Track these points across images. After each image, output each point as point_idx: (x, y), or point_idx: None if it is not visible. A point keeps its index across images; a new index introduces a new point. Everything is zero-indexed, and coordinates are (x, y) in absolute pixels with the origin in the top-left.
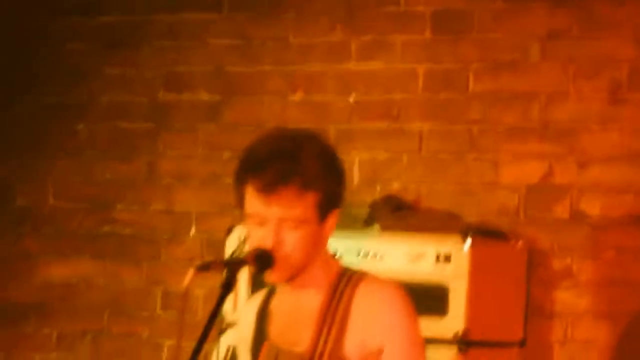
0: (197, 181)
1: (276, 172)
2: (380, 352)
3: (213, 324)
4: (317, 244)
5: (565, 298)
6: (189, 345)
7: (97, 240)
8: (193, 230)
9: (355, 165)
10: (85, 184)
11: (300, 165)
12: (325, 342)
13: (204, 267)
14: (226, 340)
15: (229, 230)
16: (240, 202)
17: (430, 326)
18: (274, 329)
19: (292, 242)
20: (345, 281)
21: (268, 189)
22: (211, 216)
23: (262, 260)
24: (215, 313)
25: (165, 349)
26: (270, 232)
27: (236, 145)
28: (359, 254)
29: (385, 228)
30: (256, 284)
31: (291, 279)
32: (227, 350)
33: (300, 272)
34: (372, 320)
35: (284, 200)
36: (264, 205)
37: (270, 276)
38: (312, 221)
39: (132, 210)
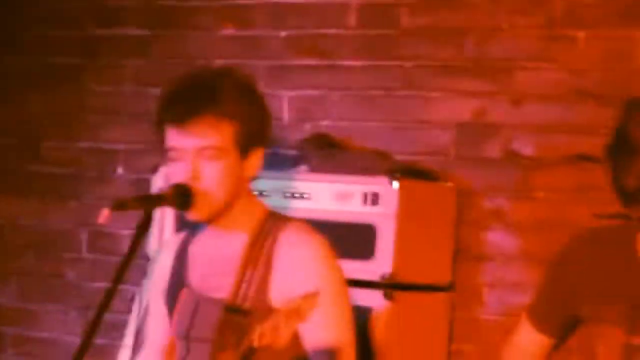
0: (126, 118)
1: (190, 103)
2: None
3: (128, 265)
4: (237, 181)
5: (496, 240)
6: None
7: (22, 178)
8: (120, 169)
9: (285, 103)
10: (12, 119)
11: (216, 95)
12: (248, 288)
13: (119, 205)
14: (146, 281)
15: (155, 168)
16: (161, 140)
17: (357, 268)
18: (194, 275)
19: (210, 176)
20: (270, 226)
21: (182, 119)
22: (140, 154)
23: (180, 196)
24: (131, 254)
25: (92, 291)
26: (186, 164)
27: (165, 81)
28: (286, 195)
29: (314, 168)
30: (182, 224)
31: (212, 218)
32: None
33: (221, 210)
34: (296, 270)
35: (198, 130)
36: (179, 137)
37: (190, 214)
38: (231, 154)
39: (59, 148)
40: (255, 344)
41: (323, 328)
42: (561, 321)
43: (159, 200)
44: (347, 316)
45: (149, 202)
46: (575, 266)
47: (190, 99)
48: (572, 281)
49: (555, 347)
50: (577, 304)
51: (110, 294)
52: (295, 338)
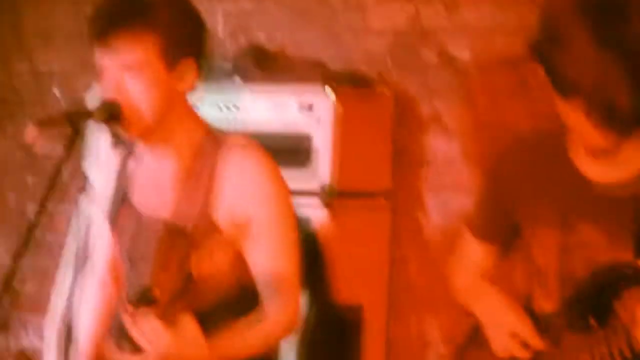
0: (61, 39)
1: (112, 18)
2: (249, 221)
3: (55, 183)
4: (166, 94)
5: (435, 144)
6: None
7: None
8: (57, 90)
9: (219, 16)
10: None
11: (139, 8)
12: (190, 206)
13: (46, 122)
14: (86, 201)
15: (88, 88)
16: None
17: (295, 178)
18: (135, 193)
19: (135, 89)
20: (211, 142)
21: (105, 35)
22: (75, 75)
23: (108, 112)
24: (58, 171)
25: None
26: (112, 80)
27: (100, 0)
28: (221, 107)
29: (249, 80)
30: (119, 142)
31: (144, 132)
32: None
33: (152, 125)
34: (240, 187)
35: (120, 44)
36: (104, 53)
37: (120, 129)
38: (155, 66)
39: None
40: (194, 271)
41: (266, 255)
42: (501, 227)
43: (86, 115)
44: (291, 238)
45: (76, 118)
46: (509, 171)
47: (113, 14)
48: (508, 185)
49: (500, 255)
50: (514, 207)
51: (38, 214)
52: (236, 266)
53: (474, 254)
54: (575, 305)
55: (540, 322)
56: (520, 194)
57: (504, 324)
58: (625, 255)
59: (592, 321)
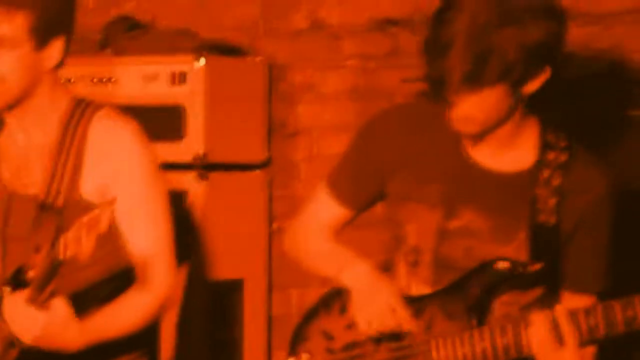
0: None
1: None
2: (118, 196)
3: None
4: (33, 71)
5: (309, 112)
6: None
7: None
8: None
9: None
10: None
11: None
12: (60, 182)
13: None
14: None
15: None
16: None
17: (168, 150)
18: (4, 170)
19: (2, 65)
20: (79, 114)
21: None
22: None
23: None
24: None
25: None
26: None
27: None
28: (93, 80)
29: (119, 51)
30: None
31: (7, 107)
32: None
33: (16, 100)
34: (108, 158)
35: None
36: None
37: None
38: (24, 44)
39: None
40: (61, 256)
41: (138, 231)
42: (365, 194)
43: None
44: (163, 212)
45: None
46: (385, 139)
47: None
48: (381, 154)
49: (352, 220)
50: (385, 179)
51: None
52: (106, 248)
53: (328, 215)
54: (453, 294)
55: (411, 303)
56: (395, 167)
57: (377, 297)
58: (506, 249)
59: (472, 314)
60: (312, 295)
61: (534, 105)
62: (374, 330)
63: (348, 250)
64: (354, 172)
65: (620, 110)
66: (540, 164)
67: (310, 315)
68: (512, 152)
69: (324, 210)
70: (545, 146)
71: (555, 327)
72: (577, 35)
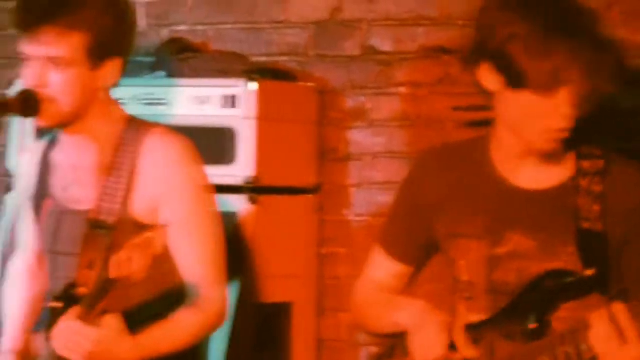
0: None
1: (41, 10)
2: (171, 217)
3: None
4: (88, 90)
5: (359, 138)
6: None
7: None
8: None
9: (142, 8)
10: None
11: (67, 4)
12: (112, 200)
13: None
14: (12, 198)
15: (9, 83)
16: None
17: (219, 173)
18: (56, 185)
19: (56, 84)
20: (133, 133)
21: (31, 26)
22: None
23: (26, 102)
24: None
25: None
26: (34, 71)
27: None
28: (144, 102)
29: (171, 73)
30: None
31: (61, 125)
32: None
33: (69, 118)
34: (160, 176)
35: (47, 38)
36: (29, 44)
37: (37, 120)
38: (80, 64)
39: None
40: (113, 275)
41: (190, 251)
42: (417, 245)
43: (4, 106)
44: (215, 233)
45: None
46: (427, 184)
47: (41, 6)
48: (426, 200)
49: (412, 277)
50: (432, 223)
51: None
52: (157, 268)
53: (387, 275)
54: (509, 316)
55: (469, 331)
56: (440, 208)
57: (434, 330)
58: (557, 264)
59: (532, 328)
60: None
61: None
62: None
63: (401, 296)
64: (403, 223)
65: None
66: (578, 174)
67: None
68: (548, 169)
69: (380, 269)
70: (580, 157)
71: (615, 324)
72: None
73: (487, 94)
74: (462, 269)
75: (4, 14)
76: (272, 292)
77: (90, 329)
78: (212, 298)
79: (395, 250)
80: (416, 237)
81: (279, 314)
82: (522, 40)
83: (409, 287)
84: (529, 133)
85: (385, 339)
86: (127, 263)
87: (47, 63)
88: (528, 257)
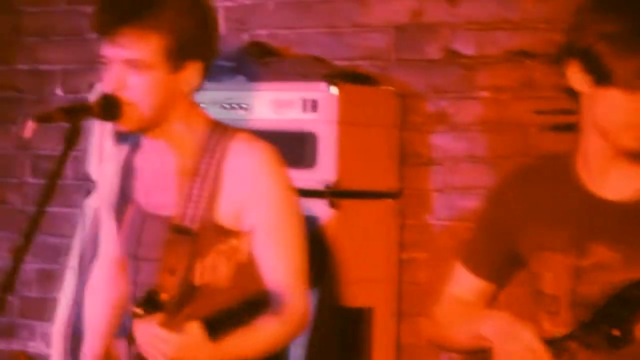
0: (61, 37)
1: (118, 13)
2: (255, 222)
3: (56, 181)
4: (168, 94)
5: (442, 143)
6: (56, 211)
7: None
8: (59, 90)
9: (221, 13)
10: None
11: (146, 6)
12: (197, 206)
13: (44, 117)
14: (93, 202)
15: (90, 86)
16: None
17: (300, 177)
18: (139, 190)
19: (136, 87)
20: (217, 138)
21: (110, 29)
22: (77, 73)
23: (107, 106)
24: (58, 169)
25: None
26: (114, 75)
27: None
28: (225, 106)
29: (252, 77)
30: (122, 139)
31: (142, 129)
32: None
33: (151, 122)
34: (245, 181)
35: (125, 41)
36: (108, 47)
37: (118, 124)
38: (159, 67)
39: None
40: (197, 281)
41: (274, 256)
42: (501, 261)
43: (85, 110)
44: (298, 238)
45: (75, 112)
46: (511, 200)
47: (120, 9)
48: (510, 216)
49: (495, 295)
50: (517, 238)
51: (37, 215)
52: (240, 275)
53: (470, 292)
54: (596, 325)
55: (551, 345)
56: (525, 223)
57: (516, 342)
58: None
59: (615, 335)
60: None
61: None
62: None
63: (484, 310)
64: (486, 240)
65: None
66: None
67: None
68: (634, 179)
69: (461, 286)
70: None
71: None
72: None
73: (572, 97)
74: (547, 282)
75: (83, 18)
76: (353, 297)
77: (173, 335)
78: (295, 305)
79: (477, 267)
80: (498, 254)
81: (360, 318)
82: (610, 39)
83: (489, 305)
84: (616, 131)
85: (468, 356)
86: (212, 270)
87: (127, 66)
88: (612, 269)
